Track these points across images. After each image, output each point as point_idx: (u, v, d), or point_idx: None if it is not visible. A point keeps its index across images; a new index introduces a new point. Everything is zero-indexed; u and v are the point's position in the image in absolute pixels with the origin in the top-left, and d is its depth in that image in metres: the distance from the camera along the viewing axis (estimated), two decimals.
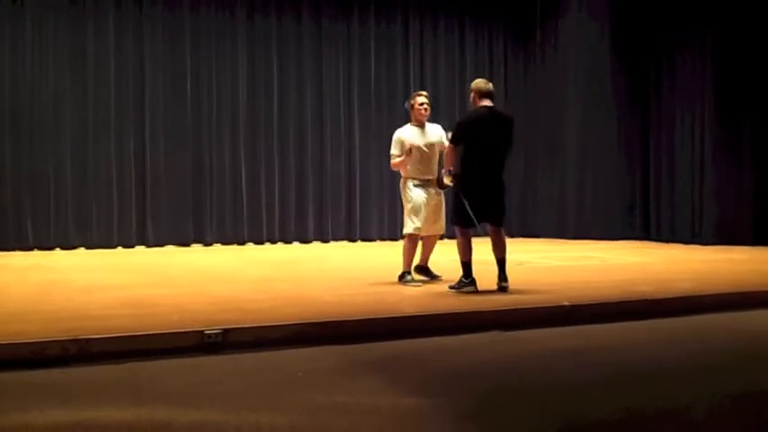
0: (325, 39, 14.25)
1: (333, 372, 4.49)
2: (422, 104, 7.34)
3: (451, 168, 6.81)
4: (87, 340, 4.64)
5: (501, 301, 6.22)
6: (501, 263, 6.75)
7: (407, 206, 7.27)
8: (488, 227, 6.86)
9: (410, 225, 7.22)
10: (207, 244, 13.28)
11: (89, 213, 12.65)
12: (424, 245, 7.44)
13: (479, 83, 6.87)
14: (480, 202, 6.71)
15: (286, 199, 13.99)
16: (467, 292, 6.62)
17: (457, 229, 6.83)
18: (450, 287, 6.82)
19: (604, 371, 4.49)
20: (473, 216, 6.64)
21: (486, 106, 6.72)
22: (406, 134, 7.33)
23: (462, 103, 14.60)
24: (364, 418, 3.52)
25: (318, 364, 4.63)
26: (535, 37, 15.39)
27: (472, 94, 6.83)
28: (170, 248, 12.80)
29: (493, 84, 6.99)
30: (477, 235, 6.91)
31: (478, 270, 6.87)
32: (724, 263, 9.68)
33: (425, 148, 7.26)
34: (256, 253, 12.16)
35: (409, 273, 7.30)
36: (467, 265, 6.74)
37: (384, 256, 11.36)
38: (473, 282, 6.70)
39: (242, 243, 13.51)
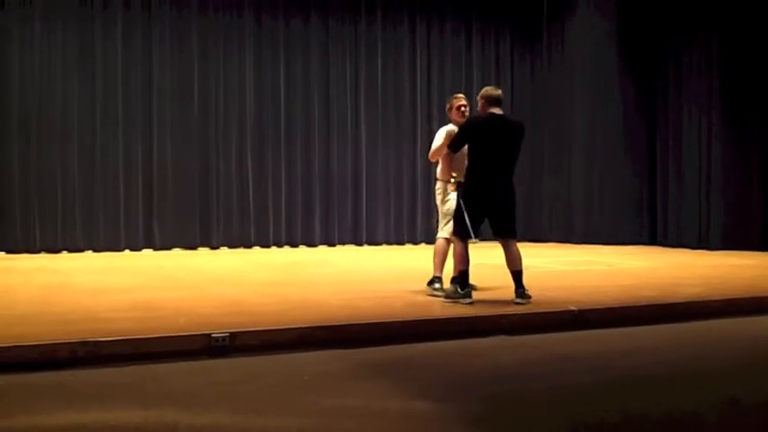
0: (332, 41, 14.27)
1: (339, 375, 4.49)
2: (460, 107, 7.20)
3: (454, 175, 6.67)
4: (95, 343, 4.66)
5: (508, 306, 6.21)
6: (516, 276, 6.40)
7: (444, 208, 7.04)
8: (499, 240, 6.54)
9: (447, 229, 6.98)
10: (213, 247, 13.30)
11: (96, 216, 12.68)
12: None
13: (488, 89, 6.67)
14: (484, 214, 6.47)
15: (293, 202, 14.00)
16: (463, 304, 6.28)
17: (454, 238, 6.58)
18: (446, 297, 6.54)
19: (612, 376, 4.48)
20: (470, 227, 6.35)
21: (492, 113, 6.49)
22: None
23: (468, 105, 14.55)
24: (371, 422, 3.52)
25: (325, 368, 4.63)
26: (542, 38, 15.38)
27: (481, 101, 6.62)
28: (177, 251, 12.83)
29: (500, 85, 6.89)
30: (485, 239, 6.78)
31: (483, 275, 6.85)
32: (732, 268, 9.65)
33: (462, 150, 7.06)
34: (263, 256, 12.17)
35: (440, 279, 7.04)
36: (464, 274, 6.44)
37: (390, 260, 11.36)
38: (468, 293, 6.40)
39: (248, 246, 13.52)
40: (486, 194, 6.42)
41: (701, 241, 12.64)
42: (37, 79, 12.42)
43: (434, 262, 7.11)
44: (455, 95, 7.47)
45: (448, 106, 7.33)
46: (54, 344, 4.61)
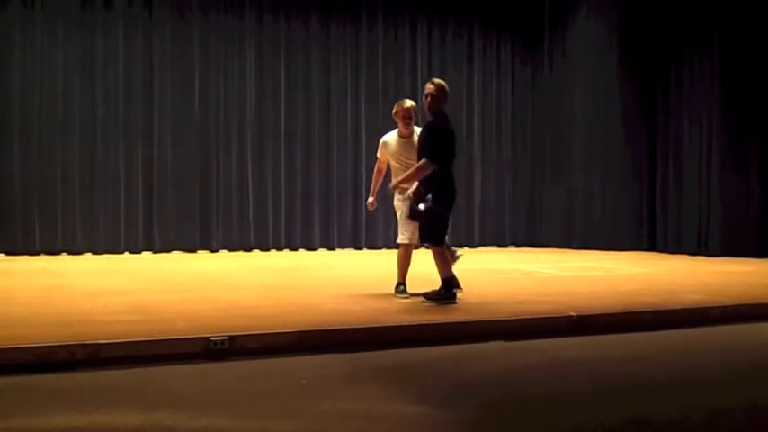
0: (333, 44, 14.28)
1: (338, 379, 4.48)
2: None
3: (421, 189, 6.48)
4: (94, 345, 4.65)
5: (507, 311, 6.21)
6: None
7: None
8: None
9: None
10: (213, 250, 13.30)
11: (96, 218, 12.68)
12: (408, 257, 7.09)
13: (442, 83, 6.65)
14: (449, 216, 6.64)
15: (292, 206, 14.00)
16: (449, 305, 6.40)
17: (434, 246, 6.52)
18: (429, 298, 6.57)
19: (611, 382, 4.47)
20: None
21: (445, 114, 6.56)
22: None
23: (470, 110, 14.60)
24: (369, 426, 3.51)
25: (323, 371, 4.62)
26: (543, 44, 15.40)
27: (439, 93, 6.55)
28: (176, 254, 12.82)
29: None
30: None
31: (479, 280, 6.85)
32: (731, 274, 9.64)
33: None
34: (262, 260, 12.17)
35: (404, 284, 7.04)
36: (451, 280, 6.51)
37: (389, 264, 11.32)
38: (454, 295, 6.52)
39: (248, 250, 13.51)
40: (454, 198, 6.62)
41: (701, 247, 12.64)
42: (38, 81, 12.43)
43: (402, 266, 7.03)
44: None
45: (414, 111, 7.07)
46: (52, 346, 4.60)
